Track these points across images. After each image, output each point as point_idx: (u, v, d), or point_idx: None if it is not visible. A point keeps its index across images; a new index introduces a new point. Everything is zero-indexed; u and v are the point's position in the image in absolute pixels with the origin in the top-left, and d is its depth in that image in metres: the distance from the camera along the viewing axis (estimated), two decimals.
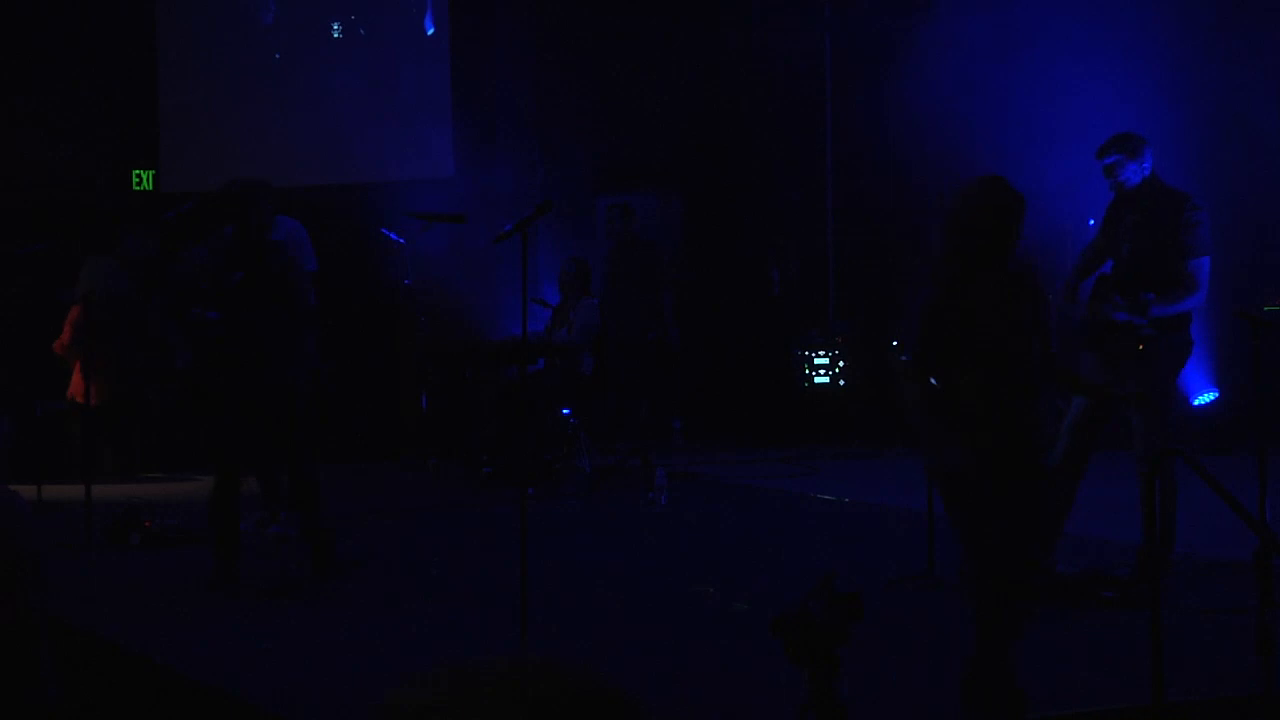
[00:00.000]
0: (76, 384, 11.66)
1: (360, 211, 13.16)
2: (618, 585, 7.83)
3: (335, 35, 13.78)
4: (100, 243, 12.19)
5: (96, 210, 13.06)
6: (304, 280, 8.41)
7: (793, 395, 13.74)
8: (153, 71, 13.58)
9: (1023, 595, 5.24)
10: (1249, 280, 11.21)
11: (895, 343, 13.14)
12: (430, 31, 13.75)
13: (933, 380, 5.26)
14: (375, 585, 7.90)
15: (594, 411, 12.00)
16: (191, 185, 12.88)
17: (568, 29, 14.33)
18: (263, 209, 8.00)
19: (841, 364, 13.70)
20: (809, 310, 14.30)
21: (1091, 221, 8.60)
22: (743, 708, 5.65)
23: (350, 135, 13.43)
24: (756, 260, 14.61)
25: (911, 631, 6.61)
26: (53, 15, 13.18)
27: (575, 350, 11.73)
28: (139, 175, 13.38)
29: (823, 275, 14.47)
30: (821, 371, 13.71)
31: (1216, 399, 11.44)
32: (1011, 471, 5.11)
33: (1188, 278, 7.26)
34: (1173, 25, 11.82)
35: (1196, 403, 11.44)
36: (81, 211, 12.93)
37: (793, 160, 14.55)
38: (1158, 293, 7.21)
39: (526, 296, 6.98)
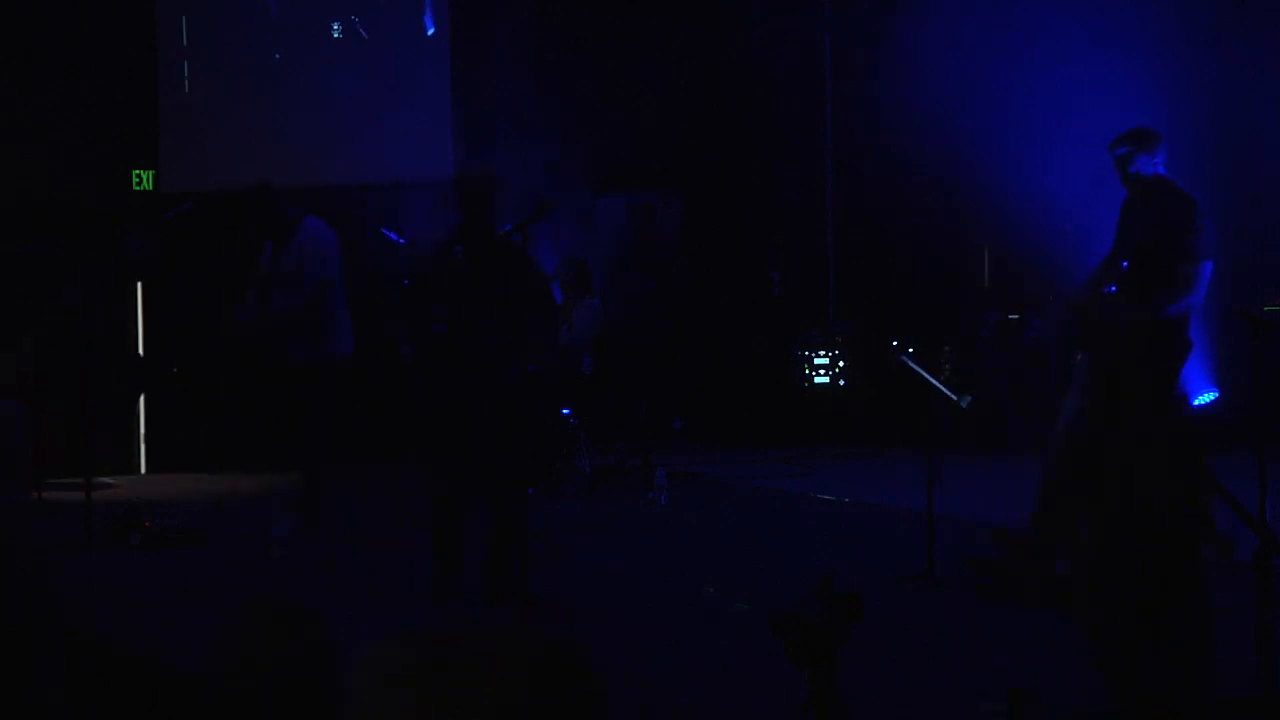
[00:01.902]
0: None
1: (360, 211, 13.16)
2: (618, 585, 7.83)
3: (335, 35, 13.78)
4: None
5: (96, 210, 13.05)
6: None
7: (793, 395, 13.73)
8: (153, 71, 13.57)
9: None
10: (1249, 280, 11.20)
11: (895, 342, 13.13)
12: (430, 31, 13.75)
13: None
14: (375, 586, 7.90)
15: (594, 411, 11.99)
16: (191, 185, 12.86)
17: (568, 29, 14.32)
18: (490, 205, 7.49)
19: (841, 364, 13.69)
20: (809, 310, 14.29)
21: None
22: (743, 708, 5.65)
23: (350, 135, 13.42)
24: (756, 260, 14.61)
25: (911, 631, 6.61)
26: (53, 15, 13.17)
27: (575, 350, 11.73)
28: (139, 175, 13.36)
29: (823, 275, 14.47)
30: (821, 371, 13.71)
31: (1216, 399, 11.44)
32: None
33: (1185, 279, 7.27)
34: (1173, 25, 11.82)
35: (1196, 403, 11.43)
36: (81, 211, 12.92)
37: (793, 160, 14.55)
38: (1151, 294, 7.24)
39: None
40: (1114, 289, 7.33)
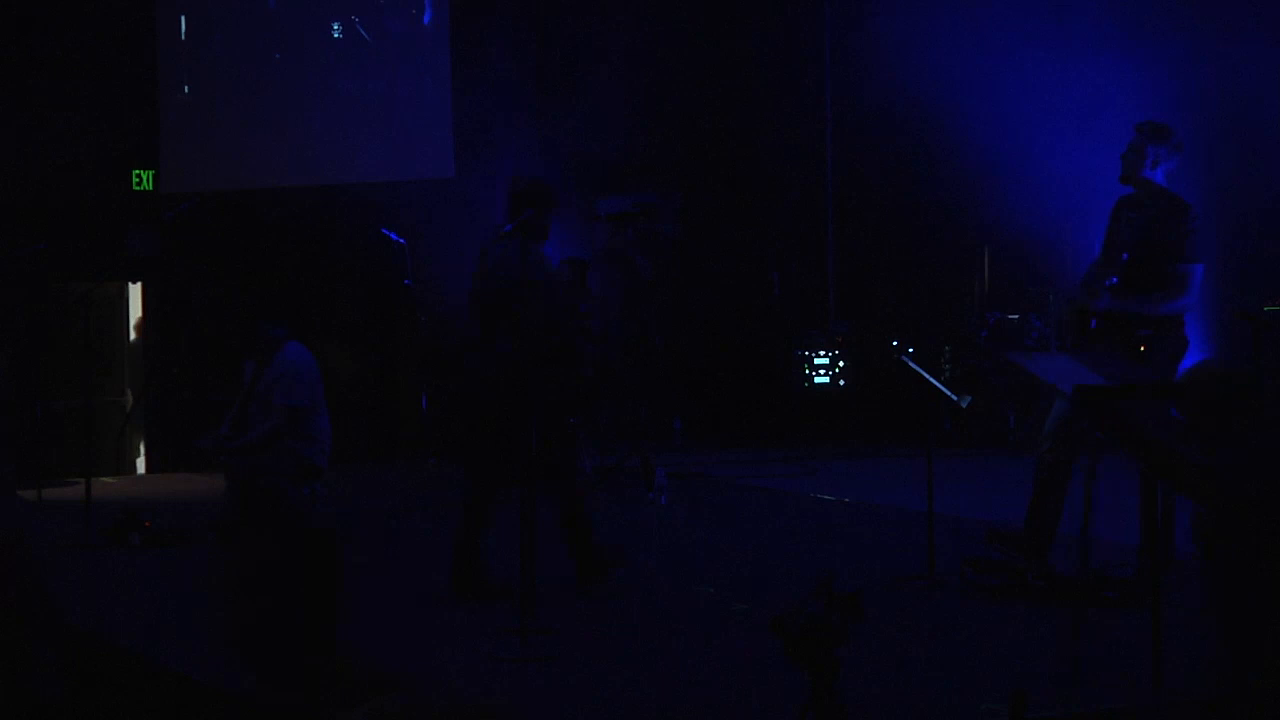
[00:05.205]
0: None
1: (360, 211, 13.17)
2: (618, 585, 7.83)
3: (335, 35, 13.78)
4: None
5: (96, 210, 13.05)
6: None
7: (793, 395, 13.73)
8: (153, 71, 13.57)
9: None
10: (1249, 280, 11.20)
11: (895, 342, 13.14)
12: (430, 31, 13.75)
13: None
14: (375, 587, 7.90)
15: (594, 411, 11.99)
16: (191, 185, 12.88)
17: (568, 28, 14.33)
18: (544, 217, 7.29)
19: (841, 364, 13.69)
20: (809, 310, 14.29)
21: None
22: (743, 708, 5.65)
23: (350, 135, 13.43)
24: (756, 260, 14.61)
25: (911, 631, 6.61)
26: (53, 15, 13.17)
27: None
28: (139, 175, 13.36)
29: (823, 275, 14.46)
30: (821, 371, 13.71)
31: None
32: None
33: (1179, 280, 7.29)
34: (1174, 24, 11.82)
35: None
36: (81, 211, 12.93)
37: (793, 160, 14.55)
38: (1149, 293, 7.26)
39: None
40: (1115, 280, 7.34)
